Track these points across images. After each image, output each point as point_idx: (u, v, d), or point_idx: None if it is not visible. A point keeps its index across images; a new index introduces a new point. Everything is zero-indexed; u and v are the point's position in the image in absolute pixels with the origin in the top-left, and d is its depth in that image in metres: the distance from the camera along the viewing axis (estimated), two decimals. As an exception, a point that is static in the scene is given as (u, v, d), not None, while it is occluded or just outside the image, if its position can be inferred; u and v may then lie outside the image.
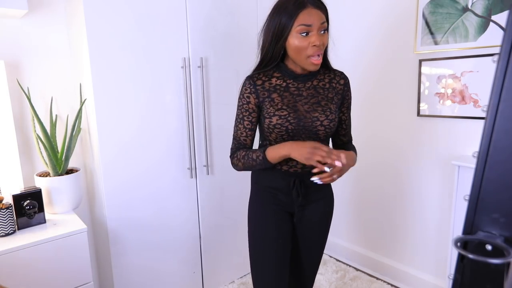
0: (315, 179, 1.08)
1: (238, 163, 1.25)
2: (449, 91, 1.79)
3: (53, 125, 1.65)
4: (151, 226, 1.81)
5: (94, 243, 1.93)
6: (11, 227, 1.43)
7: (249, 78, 1.22)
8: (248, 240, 1.32)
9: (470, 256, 0.62)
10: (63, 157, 1.64)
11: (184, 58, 1.80)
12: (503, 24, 1.53)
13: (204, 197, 1.98)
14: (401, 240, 2.14)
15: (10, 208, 1.43)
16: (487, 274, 0.66)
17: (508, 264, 0.61)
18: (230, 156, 1.28)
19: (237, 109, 1.25)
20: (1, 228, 1.41)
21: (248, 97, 1.20)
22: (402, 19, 1.95)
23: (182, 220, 1.92)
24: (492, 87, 0.63)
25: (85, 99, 1.67)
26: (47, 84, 1.72)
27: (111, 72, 1.60)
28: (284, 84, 1.20)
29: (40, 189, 1.53)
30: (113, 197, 1.67)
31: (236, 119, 1.25)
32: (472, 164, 1.56)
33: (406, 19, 1.93)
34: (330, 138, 1.33)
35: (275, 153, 1.15)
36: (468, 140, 1.77)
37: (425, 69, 1.87)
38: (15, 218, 1.47)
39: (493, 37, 1.61)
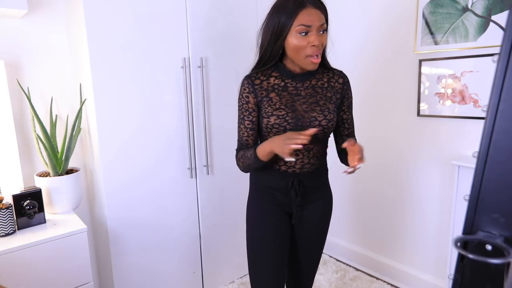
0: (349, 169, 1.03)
1: (239, 163, 1.25)
2: (449, 91, 1.79)
3: (53, 125, 1.65)
4: (151, 226, 1.81)
5: (94, 243, 1.93)
6: (11, 227, 1.43)
7: (247, 77, 1.21)
8: (246, 239, 1.31)
9: (470, 256, 0.62)
10: (63, 157, 1.64)
11: (184, 58, 1.80)
12: (503, 24, 1.53)
13: (204, 197, 1.98)
14: (401, 240, 2.14)
15: (10, 208, 1.43)
16: (487, 274, 0.66)
17: (508, 264, 0.61)
18: (235, 157, 1.28)
19: (238, 110, 1.25)
20: (1, 228, 1.41)
21: (247, 96, 1.20)
22: (402, 19, 1.95)
23: (182, 220, 1.92)
24: (492, 87, 0.63)
25: (85, 99, 1.67)
26: (47, 84, 1.72)
27: (111, 72, 1.60)
28: (283, 83, 1.20)
29: (40, 189, 1.53)
30: (113, 197, 1.67)
31: (238, 120, 1.25)
32: (472, 164, 1.56)
33: (406, 19, 1.93)
34: (334, 141, 1.32)
35: (262, 149, 1.15)
36: (468, 140, 1.77)
37: (425, 69, 1.87)
38: (15, 218, 1.47)
39: (493, 37, 1.61)
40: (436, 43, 1.80)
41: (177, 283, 1.94)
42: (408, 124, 2.00)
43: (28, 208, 1.48)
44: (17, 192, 1.48)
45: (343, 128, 1.28)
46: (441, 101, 1.83)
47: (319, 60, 1.13)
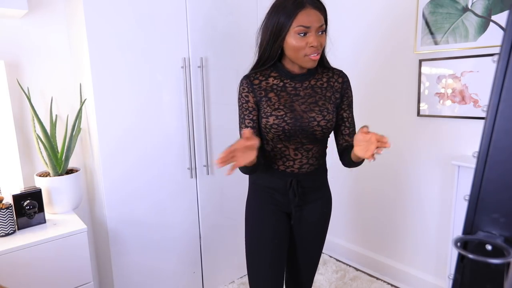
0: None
1: None
2: (449, 91, 1.79)
3: (53, 125, 1.65)
4: (151, 226, 1.81)
5: (94, 243, 1.93)
6: (11, 227, 1.43)
7: (246, 77, 1.21)
8: (245, 239, 1.31)
9: (470, 256, 0.61)
10: (63, 157, 1.64)
11: (184, 58, 1.80)
12: (503, 24, 1.52)
13: (204, 197, 1.98)
14: (401, 240, 2.14)
15: (10, 208, 1.43)
16: (487, 274, 0.66)
17: (508, 264, 0.61)
18: None
19: (238, 109, 1.24)
20: (1, 228, 1.41)
21: (247, 96, 1.20)
22: (402, 19, 1.95)
23: (182, 220, 1.92)
24: (492, 87, 0.63)
25: (85, 99, 1.67)
26: (47, 84, 1.72)
27: (111, 72, 1.60)
28: (281, 84, 1.19)
29: (40, 189, 1.53)
30: (113, 197, 1.67)
31: (239, 119, 1.25)
32: (472, 164, 1.56)
33: (406, 19, 1.93)
34: (335, 141, 1.29)
35: None
36: (468, 140, 1.77)
37: (425, 69, 1.87)
38: (15, 218, 1.47)
39: (493, 37, 1.61)
40: (436, 43, 1.80)
41: (177, 283, 1.94)
42: (408, 124, 2.00)
43: (28, 208, 1.48)
44: (17, 192, 1.48)
45: (344, 127, 1.25)
46: (441, 101, 1.83)
47: (318, 57, 1.12)
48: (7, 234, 1.43)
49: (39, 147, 1.63)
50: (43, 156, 1.63)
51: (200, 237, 2.00)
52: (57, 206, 1.63)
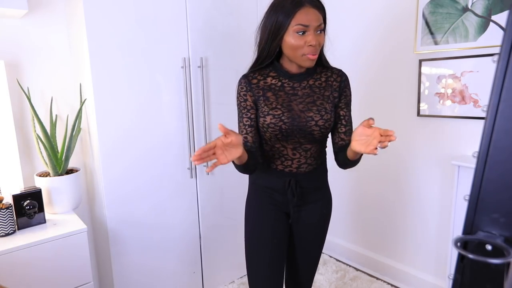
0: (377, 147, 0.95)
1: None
2: (449, 91, 1.79)
3: (53, 125, 1.65)
4: (151, 226, 1.81)
5: (94, 243, 1.93)
6: (11, 227, 1.43)
7: (244, 77, 1.22)
8: (245, 239, 1.31)
9: (470, 256, 0.61)
10: (63, 157, 1.64)
11: (184, 58, 1.80)
12: (503, 24, 1.52)
13: (204, 197, 1.98)
14: (401, 240, 2.14)
15: (10, 208, 1.43)
16: (487, 274, 0.66)
17: (508, 264, 0.61)
18: None
19: (237, 109, 1.24)
20: (1, 228, 1.41)
21: (245, 95, 1.20)
22: (402, 19, 1.95)
23: (182, 220, 1.92)
24: (492, 87, 0.63)
25: (85, 99, 1.67)
26: (47, 84, 1.72)
27: (111, 72, 1.60)
28: (279, 83, 1.19)
29: (40, 189, 1.53)
30: (113, 197, 1.67)
31: (238, 119, 1.25)
32: (472, 164, 1.56)
33: (406, 19, 1.93)
34: (332, 139, 1.28)
35: None
36: (468, 140, 1.77)
37: (425, 69, 1.87)
38: (15, 218, 1.47)
39: (493, 37, 1.61)
40: (436, 43, 1.80)
41: (177, 283, 1.94)
42: (408, 124, 2.00)
43: (28, 208, 1.48)
44: (17, 192, 1.48)
45: (340, 125, 1.23)
46: (441, 101, 1.83)
47: (315, 56, 1.12)
48: (7, 234, 1.43)
49: (39, 147, 1.63)
50: (43, 156, 1.63)
51: (200, 237, 2.00)
52: (57, 206, 1.63)
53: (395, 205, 2.14)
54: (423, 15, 1.83)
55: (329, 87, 1.20)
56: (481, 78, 1.68)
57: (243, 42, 1.99)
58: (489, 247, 0.62)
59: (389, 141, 0.92)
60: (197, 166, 1.91)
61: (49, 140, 1.59)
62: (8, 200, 1.53)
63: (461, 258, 0.68)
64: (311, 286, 1.41)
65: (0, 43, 1.59)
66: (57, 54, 1.74)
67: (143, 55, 1.68)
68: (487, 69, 1.65)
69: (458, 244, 0.64)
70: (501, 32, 1.59)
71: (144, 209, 1.78)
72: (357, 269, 2.33)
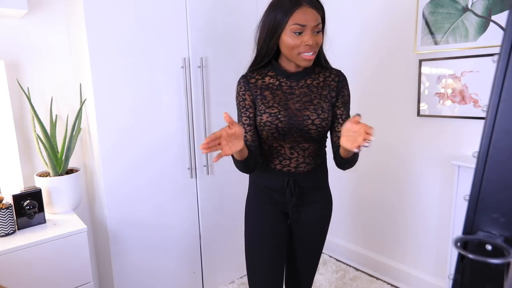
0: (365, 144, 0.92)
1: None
2: (449, 91, 1.79)
3: (53, 125, 1.65)
4: (151, 226, 1.81)
5: (94, 243, 1.93)
6: (11, 227, 1.43)
7: (243, 77, 1.23)
8: (244, 239, 1.31)
9: (470, 256, 0.61)
10: (63, 157, 1.64)
11: (184, 58, 1.80)
12: (503, 24, 1.52)
13: (204, 197, 1.98)
14: (401, 240, 2.14)
15: (10, 208, 1.43)
16: (487, 274, 0.66)
17: (508, 264, 0.61)
18: None
19: (236, 108, 1.25)
20: (1, 228, 1.41)
21: (244, 94, 1.21)
22: (402, 19, 1.95)
23: (182, 220, 1.92)
24: (492, 87, 0.63)
25: (85, 99, 1.67)
26: (47, 84, 1.72)
27: (111, 72, 1.60)
28: (277, 82, 1.20)
29: (40, 189, 1.53)
30: (113, 197, 1.67)
31: (237, 119, 1.25)
32: (472, 164, 1.56)
33: (406, 19, 1.93)
34: (331, 140, 1.26)
35: None
36: (468, 140, 1.77)
37: (425, 69, 1.87)
38: (15, 218, 1.47)
39: (493, 37, 1.61)
40: (436, 43, 1.80)
41: (177, 283, 1.94)
42: (408, 124, 2.00)
43: (28, 208, 1.48)
44: (17, 192, 1.48)
45: (337, 124, 1.21)
46: (441, 101, 1.83)
47: (312, 56, 1.11)
48: (7, 234, 1.43)
49: (39, 147, 1.63)
50: (43, 156, 1.63)
51: (200, 237, 2.00)
52: (57, 206, 1.63)
53: (395, 205, 2.14)
54: (423, 15, 1.83)
55: (326, 87, 1.20)
56: (481, 78, 1.68)
57: (243, 42, 1.99)
58: (489, 247, 0.62)
59: (367, 139, 0.88)
60: (197, 166, 1.91)
61: (49, 140, 1.59)
62: (8, 200, 1.53)
63: (461, 258, 0.68)
64: (311, 286, 1.41)
65: (0, 43, 1.59)
66: (57, 54, 1.74)
67: (143, 55, 1.68)
68: (487, 69, 1.65)
69: (458, 244, 0.64)
70: (501, 32, 1.59)
71: (144, 209, 1.78)
72: (357, 269, 2.33)
